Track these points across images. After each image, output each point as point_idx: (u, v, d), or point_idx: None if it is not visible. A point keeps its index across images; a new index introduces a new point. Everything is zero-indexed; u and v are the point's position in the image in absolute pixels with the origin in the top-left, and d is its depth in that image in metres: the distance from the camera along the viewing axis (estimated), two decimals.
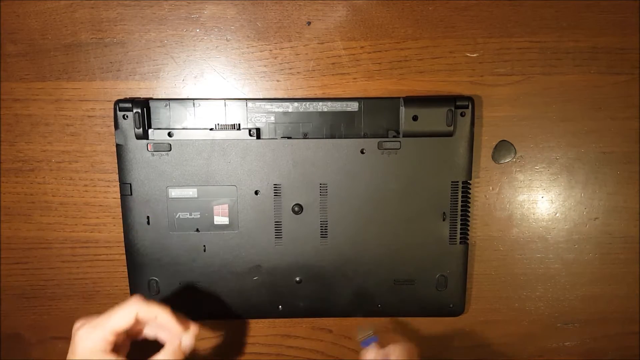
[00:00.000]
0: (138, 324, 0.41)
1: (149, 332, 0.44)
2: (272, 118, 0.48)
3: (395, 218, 0.49)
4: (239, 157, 0.47)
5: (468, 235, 0.50)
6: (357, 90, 0.49)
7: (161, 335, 0.43)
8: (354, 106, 0.48)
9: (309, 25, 0.48)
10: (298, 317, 0.53)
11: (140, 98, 0.48)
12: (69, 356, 0.40)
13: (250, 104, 0.47)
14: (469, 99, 0.47)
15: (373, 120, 0.48)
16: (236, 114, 0.48)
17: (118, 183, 0.48)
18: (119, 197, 0.48)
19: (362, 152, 0.47)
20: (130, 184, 0.47)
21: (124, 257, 0.49)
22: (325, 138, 0.48)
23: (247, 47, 0.48)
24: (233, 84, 0.49)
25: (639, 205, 0.52)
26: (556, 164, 0.51)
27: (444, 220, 0.49)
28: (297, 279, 0.50)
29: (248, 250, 0.49)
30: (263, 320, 0.53)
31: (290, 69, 0.49)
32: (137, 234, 0.48)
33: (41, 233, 0.51)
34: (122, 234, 0.49)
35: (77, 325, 0.41)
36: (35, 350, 0.54)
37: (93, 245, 0.52)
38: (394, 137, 0.47)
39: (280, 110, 0.48)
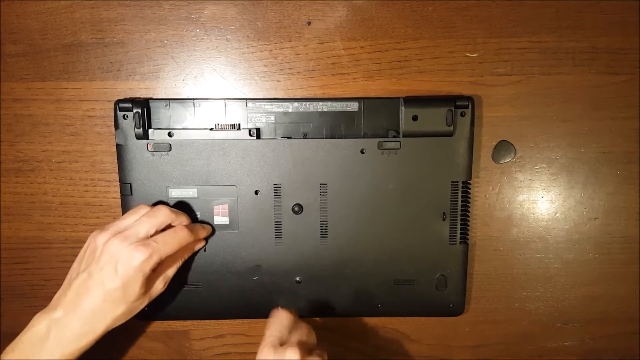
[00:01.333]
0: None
1: None
2: (272, 118, 0.48)
3: (395, 218, 0.49)
4: (239, 157, 0.47)
5: (468, 235, 0.50)
6: (357, 90, 0.49)
7: None
8: (354, 106, 0.48)
9: (309, 25, 0.48)
10: (298, 317, 0.53)
11: (140, 98, 0.48)
12: (106, 276, 0.40)
13: (250, 104, 0.47)
14: (469, 99, 0.47)
15: (373, 120, 0.48)
16: (236, 114, 0.48)
17: (118, 183, 0.48)
18: (119, 197, 0.48)
19: (362, 152, 0.47)
20: (131, 184, 0.47)
21: None
22: (325, 138, 0.48)
23: (247, 47, 0.48)
24: (233, 84, 0.49)
25: (639, 205, 0.52)
26: (556, 164, 0.51)
27: (444, 220, 0.49)
28: (297, 279, 0.50)
29: (248, 250, 0.49)
30: (263, 320, 0.53)
31: (290, 69, 0.49)
32: None
33: (41, 233, 0.51)
34: None
35: (104, 236, 0.41)
36: None
37: None
38: (394, 137, 0.47)
39: (280, 110, 0.48)
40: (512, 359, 0.55)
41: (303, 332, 0.42)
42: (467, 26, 0.48)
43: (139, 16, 0.48)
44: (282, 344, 0.40)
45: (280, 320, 0.43)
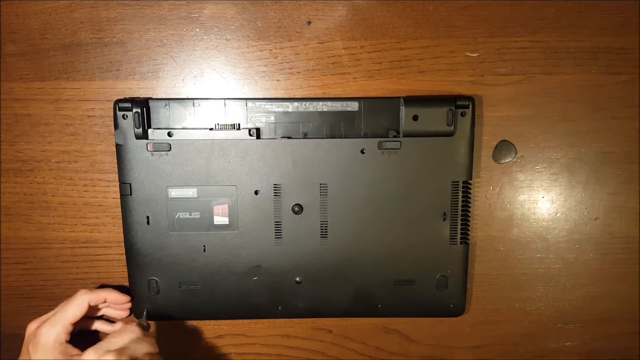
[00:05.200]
0: (90, 310, 0.47)
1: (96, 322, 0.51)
2: (272, 118, 0.48)
3: (396, 218, 0.49)
4: (239, 157, 0.47)
5: (468, 235, 0.50)
6: (357, 90, 0.49)
7: (112, 314, 0.51)
8: (354, 106, 0.47)
9: (309, 24, 0.48)
10: (298, 317, 0.53)
11: (139, 98, 0.48)
12: (32, 355, 0.43)
13: (250, 103, 0.47)
14: (470, 98, 0.47)
15: (373, 120, 0.48)
16: (236, 113, 0.47)
17: (118, 183, 0.48)
18: (119, 197, 0.48)
19: (362, 152, 0.47)
20: (130, 184, 0.47)
21: (124, 257, 0.49)
22: (325, 138, 0.48)
23: (247, 47, 0.48)
24: (233, 84, 0.49)
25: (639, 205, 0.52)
26: (557, 164, 0.51)
27: (444, 220, 0.49)
28: (297, 279, 0.50)
29: (248, 250, 0.49)
30: (263, 320, 0.53)
31: (290, 68, 0.49)
32: (137, 234, 0.48)
33: (41, 233, 0.51)
34: (122, 234, 0.49)
35: (33, 325, 0.46)
36: None
37: (93, 245, 0.52)
38: (394, 137, 0.47)
39: (280, 110, 0.47)
40: (512, 359, 0.55)
41: (137, 345, 0.43)
42: (467, 26, 0.48)
43: (138, 16, 0.47)
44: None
45: (118, 332, 0.44)
